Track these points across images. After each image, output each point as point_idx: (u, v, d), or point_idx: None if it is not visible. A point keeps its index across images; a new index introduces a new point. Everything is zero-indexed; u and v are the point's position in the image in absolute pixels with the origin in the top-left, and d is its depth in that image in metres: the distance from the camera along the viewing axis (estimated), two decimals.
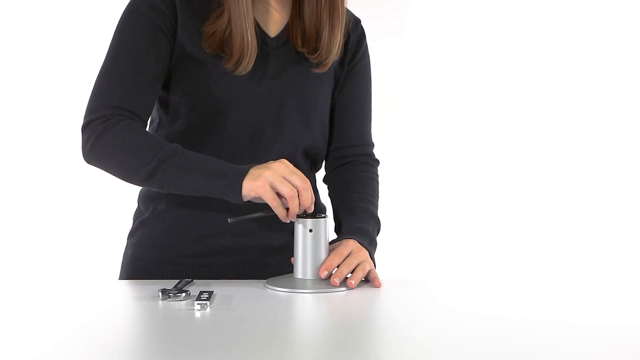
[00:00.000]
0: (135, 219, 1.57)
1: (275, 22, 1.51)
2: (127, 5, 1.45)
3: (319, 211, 1.51)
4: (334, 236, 1.47)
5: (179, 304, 1.21)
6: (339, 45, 1.50)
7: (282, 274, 1.41)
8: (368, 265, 1.38)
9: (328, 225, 1.37)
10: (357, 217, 1.48)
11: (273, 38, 1.50)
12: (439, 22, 2.89)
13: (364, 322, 1.20)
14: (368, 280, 1.38)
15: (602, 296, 1.34)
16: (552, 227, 2.91)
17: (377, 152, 1.64)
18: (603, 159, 2.91)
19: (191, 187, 1.34)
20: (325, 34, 1.48)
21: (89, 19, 2.77)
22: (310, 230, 1.34)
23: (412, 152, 2.90)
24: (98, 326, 1.12)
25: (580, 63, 2.89)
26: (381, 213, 1.55)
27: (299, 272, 1.36)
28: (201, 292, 1.24)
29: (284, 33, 1.51)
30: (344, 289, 1.33)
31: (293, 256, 1.37)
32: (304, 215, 1.34)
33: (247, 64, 1.43)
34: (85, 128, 1.40)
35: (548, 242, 2.91)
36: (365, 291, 1.34)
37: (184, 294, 1.23)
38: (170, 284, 1.32)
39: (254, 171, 1.31)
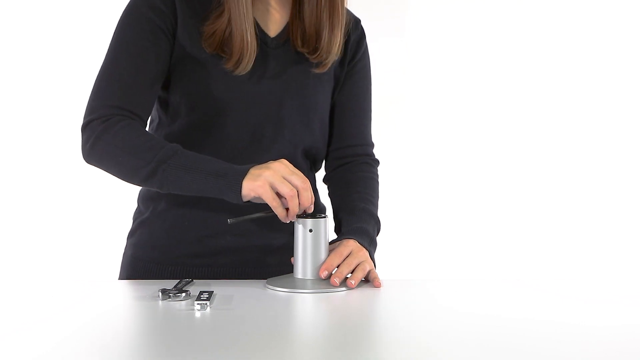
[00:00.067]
0: (135, 219, 1.57)
1: (275, 22, 1.51)
2: (127, 5, 1.45)
3: (319, 211, 1.51)
4: (334, 236, 1.47)
5: (179, 304, 1.21)
6: (339, 45, 1.50)
7: (282, 274, 1.41)
8: (368, 265, 1.37)
9: (328, 225, 1.37)
10: (357, 217, 1.48)
11: (273, 38, 1.50)
12: (439, 22, 2.89)
13: (364, 322, 1.20)
14: (368, 280, 1.38)
15: (602, 296, 1.34)
16: (552, 227, 2.91)
17: (377, 152, 1.64)
18: (603, 159, 2.91)
19: (191, 187, 1.34)
20: (325, 34, 1.48)
21: (89, 19, 2.77)
22: (310, 230, 1.34)
23: (412, 152, 2.90)
24: (98, 326, 1.12)
25: (580, 63, 2.90)
26: (381, 213, 1.54)
27: (299, 272, 1.36)
28: (201, 292, 1.24)
29: (283, 33, 1.51)
30: (344, 289, 1.33)
31: (293, 256, 1.37)
32: (304, 215, 1.34)
33: (247, 64, 1.43)
34: (85, 128, 1.40)
35: (548, 242, 2.91)
36: (365, 291, 1.34)
37: (184, 294, 1.23)
38: (170, 284, 1.32)
39: (253, 171, 1.31)
